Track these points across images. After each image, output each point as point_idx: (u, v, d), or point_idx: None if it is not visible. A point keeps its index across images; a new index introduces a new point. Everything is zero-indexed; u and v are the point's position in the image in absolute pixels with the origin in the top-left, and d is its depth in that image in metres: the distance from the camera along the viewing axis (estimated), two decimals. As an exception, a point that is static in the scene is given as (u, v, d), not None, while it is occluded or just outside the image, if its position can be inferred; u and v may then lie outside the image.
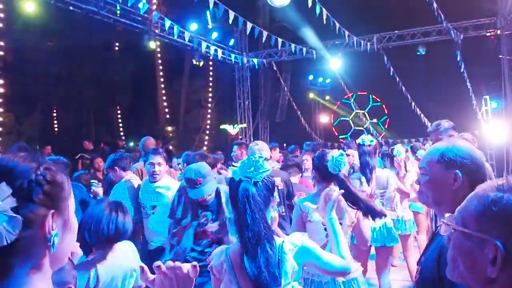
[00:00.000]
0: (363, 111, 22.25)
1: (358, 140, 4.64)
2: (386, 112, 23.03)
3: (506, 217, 0.95)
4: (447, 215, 1.10)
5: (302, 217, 3.14)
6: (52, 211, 0.97)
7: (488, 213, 0.98)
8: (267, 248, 1.85)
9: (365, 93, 23.09)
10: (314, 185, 4.19)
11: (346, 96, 19.94)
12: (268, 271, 1.82)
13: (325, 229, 3.07)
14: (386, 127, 22.46)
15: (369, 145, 4.53)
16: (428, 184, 1.68)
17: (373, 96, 23.32)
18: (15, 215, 0.89)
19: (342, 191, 2.55)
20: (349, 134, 23.43)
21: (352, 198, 3.06)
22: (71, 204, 1.06)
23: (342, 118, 24.06)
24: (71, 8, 10.49)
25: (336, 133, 24.02)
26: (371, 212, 3.05)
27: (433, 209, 1.98)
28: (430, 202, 1.71)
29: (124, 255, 2.59)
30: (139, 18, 12.03)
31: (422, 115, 14.99)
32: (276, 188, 4.20)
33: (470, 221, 1.01)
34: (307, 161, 6.03)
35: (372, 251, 4.67)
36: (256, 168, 1.93)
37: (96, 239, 2.48)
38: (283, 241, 1.93)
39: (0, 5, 12.54)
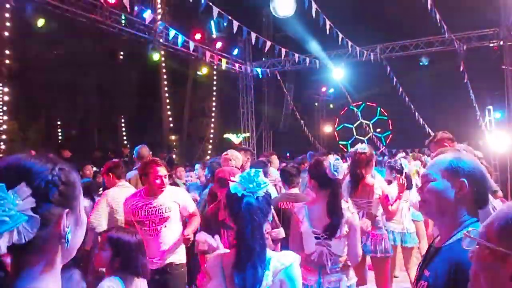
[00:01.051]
0: (367, 122, 22.22)
1: (356, 148, 4.59)
2: (391, 128, 22.97)
3: None
4: (470, 228, 1.12)
5: (298, 223, 3.20)
6: (67, 210, 1.01)
7: (509, 229, 0.98)
8: (256, 264, 1.90)
9: (374, 104, 23.06)
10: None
11: (354, 104, 19.97)
12: (253, 283, 1.88)
13: (315, 238, 3.14)
14: (387, 142, 22.42)
15: (362, 154, 4.49)
16: (433, 190, 1.67)
17: (381, 109, 23.27)
18: (34, 215, 0.93)
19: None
20: (350, 141, 23.40)
21: (331, 207, 3.14)
22: (82, 201, 1.10)
23: (346, 125, 23.98)
24: (76, 17, 10.59)
25: (337, 138, 23.97)
26: (332, 227, 3.12)
27: (434, 220, 1.96)
28: (433, 211, 1.70)
29: None
30: (144, 28, 12.12)
31: (425, 125, 15.00)
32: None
33: (493, 236, 1.01)
34: None
35: (368, 260, 4.64)
36: (258, 183, 1.98)
37: None
38: (271, 257, 1.96)
39: (6, 14, 12.68)
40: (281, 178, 4.88)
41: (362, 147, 4.53)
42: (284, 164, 8.41)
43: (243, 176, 2.02)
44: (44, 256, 1.00)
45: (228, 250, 2.12)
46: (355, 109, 20.27)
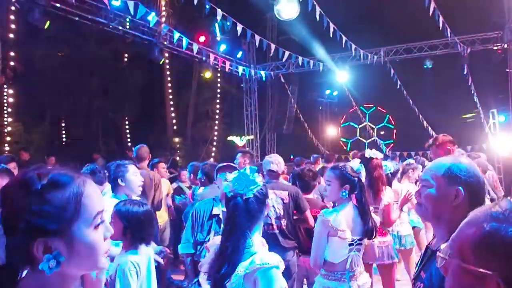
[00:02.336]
0: (373, 126, 22.20)
1: (369, 153, 4.55)
2: (394, 137, 22.92)
3: (505, 250, 0.91)
4: (443, 246, 1.07)
5: (328, 231, 3.09)
6: (41, 239, 0.98)
7: (485, 246, 0.94)
8: (224, 265, 1.93)
9: (384, 111, 23.02)
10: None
11: (366, 105, 19.89)
12: (223, 277, 1.91)
13: (349, 245, 3.09)
14: (387, 150, 22.36)
15: (377, 159, 4.52)
16: (430, 197, 1.68)
17: (390, 117, 23.22)
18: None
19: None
20: (351, 140, 23.39)
21: (365, 209, 3.18)
22: (82, 223, 1.04)
23: (352, 124, 23.92)
24: (81, 20, 10.64)
25: (340, 134, 23.95)
26: (372, 229, 3.16)
27: (430, 223, 1.97)
28: (429, 215, 1.71)
29: None
30: (148, 30, 12.17)
31: (429, 128, 14.98)
32: (281, 201, 4.20)
33: (468, 254, 0.97)
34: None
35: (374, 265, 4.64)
36: (248, 184, 2.00)
37: None
38: (256, 253, 1.94)
39: (12, 16, 12.76)
40: (298, 184, 4.75)
41: (374, 153, 4.53)
42: (286, 167, 8.44)
43: (235, 177, 2.04)
44: (33, 279, 1.00)
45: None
46: (365, 110, 20.26)
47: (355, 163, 3.28)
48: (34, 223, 0.96)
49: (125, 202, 2.84)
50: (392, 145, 22.74)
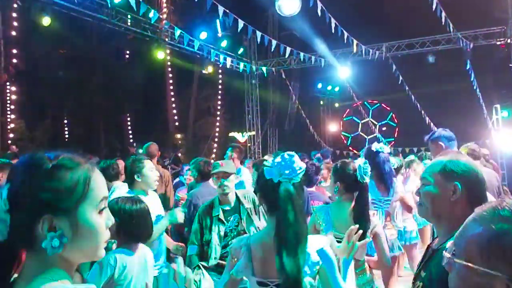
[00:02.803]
0: (375, 122, 22.14)
1: (375, 147, 4.50)
2: (396, 136, 22.85)
3: None
4: (448, 244, 1.07)
5: (315, 225, 3.15)
6: (47, 216, 1.00)
7: (494, 247, 0.93)
8: (305, 248, 1.91)
9: (388, 109, 22.95)
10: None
11: (370, 101, 19.79)
12: (298, 269, 1.87)
13: (338, 242, 3.11)
14: (395, 136, 22.32)
15: (388, 153, 4.53)
16: (428, 194, 1.69)
17: (393, 115, 23.15)
18: (1, 217, 0.97)
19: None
20: (352, 135, 23.37)
21: (360, 212, 3.08)
22: (88, 206, 1.06)
23: (354, 118, 23.85)
24: (82, 17, 10.63)
25: (341, 127, 23.93)
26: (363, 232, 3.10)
27: (432, 222, 1.98)
28: (429, 214, 1.72)
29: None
30: (150, 27, 12.16)
31: (432, 124, 14.93)
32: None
33: (475, 254, 0.96)
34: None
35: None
36: (293, 169, 1.94)
37: None
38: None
39: (14, 14, 12.77)
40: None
41: (381, 146, 4.51)
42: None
43: (278, 161, 1.97)
44: (34, 260, 1.02)
45: None
46: (369, 106, 20.20)
47: (360, 162, 3.22)
48: (44, 199, 0.99)
49: (118, 199, 2.75)
50: (393, 142, 22.69)
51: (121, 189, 4.62)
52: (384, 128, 23.10)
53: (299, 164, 1.96)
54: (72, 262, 1.06)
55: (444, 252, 1.06)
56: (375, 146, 4.52)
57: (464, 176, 1.61)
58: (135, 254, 2.61)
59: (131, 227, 2.60)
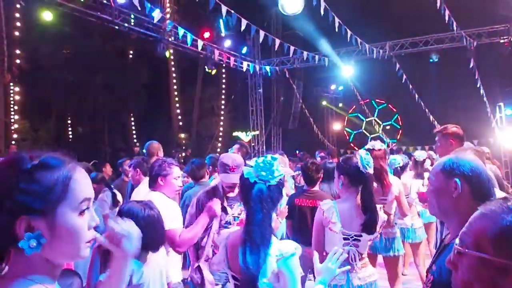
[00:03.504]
0: (380, 122, 22.09)
1: (368, 146, 4.55)
2: (398, 137, 22.76)
3: None
4: (457, 240, 1.07)
5: (322, 220, 3.13)
6: (24, 216, 0.99)
7: (506, 237, 0.94)
8: (260, 250, 1.93)
9: (394, 110, 22.86)
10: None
11: (377, 100, 19.76)
12: (257, 267, 1.91)
13: (344, 239, 3.08)
14: (398, 138, 22.21)
15: (379, 150, 4.50)
16: (432, 193, 1.76)
17: (399, 117, 23.06)
18: None
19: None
20: (355, 132, 23.34)
21: (367, 203, 3.09)
22: (66, 207, 1.05)
23: (355, 132, 23.83)
24: (86, 17, 10.67)
25: (345, 124, 23.89)
26: (370, 224, 3.08)
27: (441, 220, 2.03)
28: (437, 211, 1.78)
29: None
30: (153, 27, 12.18)
31: (435, 122, 14.90)
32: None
33: (486, 246, 0.96)
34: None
35: (380, 259, 4.64)
36: (271, 172, 2.01)
37: None
38: (271, 243, 1.99)
39: (17, 14, 12.81)
40: (303, 176, 4.87)
41: (378, 143, 4.52)
42: (290, 162, 8.44)
43: (258, 162, 2.04)
44: (18, 259, 1.01)
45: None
46: (375, 106, 20.15)
47: (362, 153, 3.22)
48: (20, 200, 0.98)
49: (127, 203, 2.70)
50: (394, 144, 22.61)
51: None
52: (388, 127, 23.03)
53: (279, 169, 2.03)
54: (53, 262, 1.05)
55: (455, 245, 1.06)
56: (369, 144, 4.54)
57: (465, 173, 1.65)
58: (146, 266, 2.46)
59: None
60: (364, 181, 3.15)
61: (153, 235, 2.46)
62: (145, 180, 4.87)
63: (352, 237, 3.09)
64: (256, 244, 1.94)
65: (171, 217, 3.16)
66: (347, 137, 23.81)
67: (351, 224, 3.09)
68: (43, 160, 1.04)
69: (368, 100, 20.69)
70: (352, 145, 22.35)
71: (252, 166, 2.05)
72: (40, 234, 0.99)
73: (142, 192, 4.57)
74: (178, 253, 3.17)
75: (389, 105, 22.40)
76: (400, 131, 22.74)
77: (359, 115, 23.57)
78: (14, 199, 0.98)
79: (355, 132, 23.46)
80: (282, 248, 1.97)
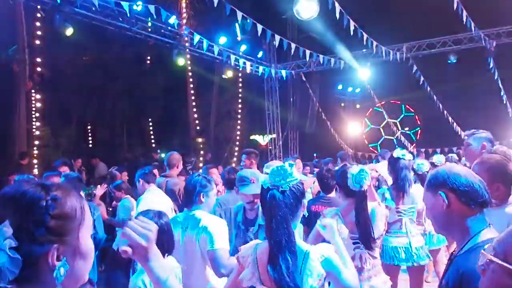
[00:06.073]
0: (394, 121, 21.84)
1: (397, 154, 4.52)
2: (419, 123, 22.52)
3: None
4: (486, 246, 1.08)
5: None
6: (56, 245, 0.99)
7: None
8: (287, 257, 1.91)
9: (398, 102, 22.67)
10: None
11: (378, 104, 19.70)
12: (289, 277, 1.89)
13: (353, 243, 3.13)
14: (417, 138, 21.95)
15: (409, 160, 4.50)
16: (429, 213, 1.77)
17: (406, 106, 22.87)
18: (14, 256, 0.92)
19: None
20: (379, 142, 23.04)
21: (358, 220, 3.11)
22: (85, 230, 1.07)
23: (373, 126, 23.64)
24: (104, 25, 10.85)
25: (367, 142, 23.64)
26: (365, 240, 3.10)
27: (443, 235, 2.05)
28: (437, 229, 1.79)
29: None
30: (170, 33, 12.30)
31: (455, 124, 14.69)
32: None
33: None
34: None
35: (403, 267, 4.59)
36: (284, 177, 1.99)
37: None
38: (309, 250, 1.97)
39: (37, 23, 13.08)
40: (319, 184, 4.91)
41: (406, 153, 4.50)
42: (307, 167, 8.42)
43: (273, 169, 2.04)
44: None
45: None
46: (381, 109, 20.01)
47: (355, 170, 3.22)
48: (52, 228, 0.98)
49: (142, 212, 2.78)
50: (420, 131, 22.31)
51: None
52: (406, 128, 22.78)
53: (293, 174, 2.01)
54: None
55: (482, 251, 1.07)
56: (397, 153, 4.51)
57: (446, 183, 1.66)
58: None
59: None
60: (356, 197, 3.17)
61: (163, 244, 2.53)
62: (150, 188, 5.00)
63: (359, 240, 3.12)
64: (280, 251, 1.92)
65: (221, 235, 3.00)
66: (375, 152, 23.51)
67: (355, 229, 3.14)
68: (61, 186, 1.06)
69: (371, 110, 20.62)
70: (371, 148, 22.14)
71: (268, 174, 2.05)
72: (66, 261, 1.01)
73: (149, 200, 4.70)
74: (221, 275, 2.96)
75: (390, 102, 22.03)
76: (417, 117, 22.52)
77: (372, 126, 23.43)
78: (46, 227, 0.98)
79: (379, 143, 23.05)
80: (322, 250, 1.98)
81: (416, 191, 4.56)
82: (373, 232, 3.11)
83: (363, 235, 3.11)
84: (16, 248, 0.93)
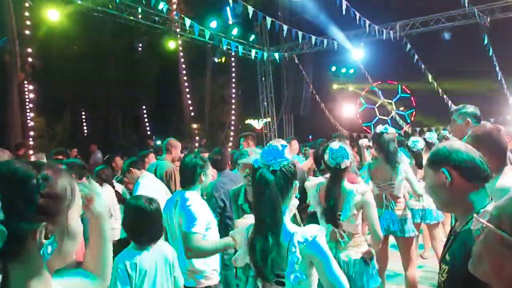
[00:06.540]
0: (389, 101, 21.81)
1: (379, 129, 4.57)
2: (414, 105, 22.49)
3: None
4: (482, 210, 1.08)
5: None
6: (44, 223, 1.00)
7: None
8: (268, 236, 1.89)
9: (395, 83, 22.61)
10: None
11: (374, 84, 19.64)
12: (263, 257, 1.88)
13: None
14: (412, 119, 21.93)
15: (393, 134, 4.53)
16: (430, 190, 1.76)
17: (403, 86, 22.81)
18: (1, 228, 0.94)
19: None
20: (373, 122, 23.02)
21: (327, 194, 3.22)
22: (74, 210, 1.08)
23: (368, 106, 23.60)
24: (92, 12, 10.70)
25: (361, 121, 23.63)
26: (329, 216, 3.22)
27: (446, 212, 2.04)
28: (439, 206, 1.78)
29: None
30: (160, 19, 12.15)
31: (450, 102, 14.67)
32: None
33: (506, 223, 0.97)
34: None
35: (392, 240, 4.63)
36: (276, 156, 1.96)
37: None
38: (294, 232, 1.92)
39: (26, 12, 12.89)
40: (314, 163, 4.95)
41: (385, 127, 4.53)
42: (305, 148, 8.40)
43: (264, 148, 2.02)
44: (26, 265, 1.01)
45: None
46: (377, 89, 19.93)
47: (334, 145, 3.26)
48: (42, 206, 0.99)
49: (133, 198, 2.85)
50: (414, 112, 22.31)
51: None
52: (401, 108, 22.75)
53: (284, 155, 1.97)
54: (52, 269, 1.08)
55: (475, 215, 1.07)
56: (379, 128, 4.55)
57: (448, 159, 1.65)
58: (149, 253, 2.63)
59: (143, 225, 2.65)
60: (331, 172, 3.24)
61: (151, 229, 2.68)
62: (143, 174, 5.06)
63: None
64: (261, 231, 1.91)
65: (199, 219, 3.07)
66: (369, 131, 23.49)
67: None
68: (52, 166, 1.07)
69: (367, 89, 20.52)
70: (365, 128, 22.13)
71: (260, 154, 2.03)
72: (53, 240, 1.03)
73: (146, 186, 4.74)
74: (186, 257, 3.08)
75: (388, 82, 21.99)
76: (412, 98, 22.53)
77: (367, 106, 23.39)
78: (36, 205, 0.99)
79: (373, 122, 22.96)
80: (305, 233, 1.90)
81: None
82: (340, 213, 3.15)
83: (327, 210, 3.19)
84: (4, 222, 0.94)
